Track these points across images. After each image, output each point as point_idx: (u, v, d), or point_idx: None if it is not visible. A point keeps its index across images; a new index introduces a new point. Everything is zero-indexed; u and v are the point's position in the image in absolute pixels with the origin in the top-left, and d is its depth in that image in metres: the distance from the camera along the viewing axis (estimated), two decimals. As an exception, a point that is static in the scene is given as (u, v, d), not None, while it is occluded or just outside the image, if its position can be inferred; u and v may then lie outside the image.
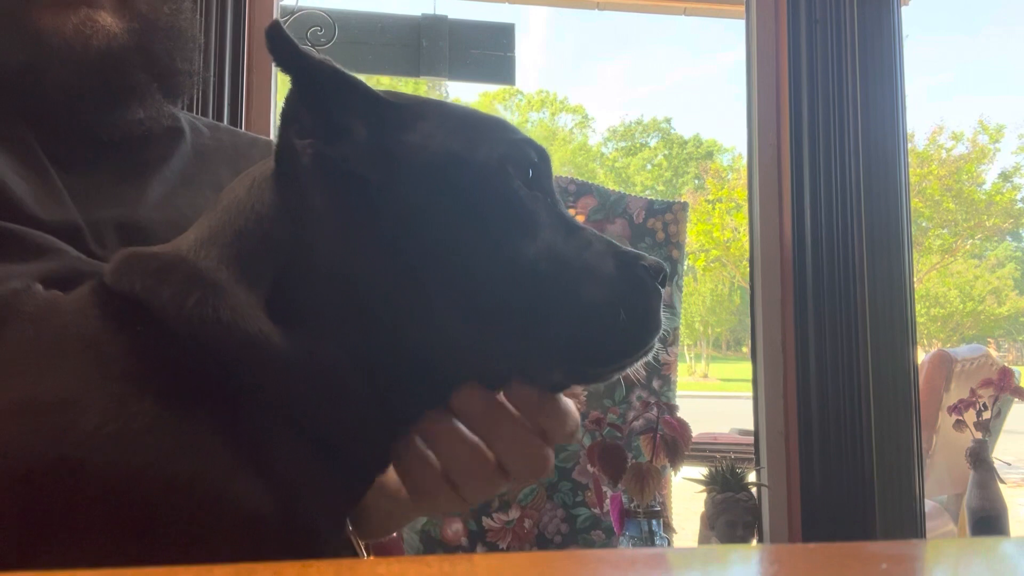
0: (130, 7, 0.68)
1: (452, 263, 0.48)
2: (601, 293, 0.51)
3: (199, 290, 0.46)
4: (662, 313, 0.53)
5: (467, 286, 0.48)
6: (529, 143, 0.53)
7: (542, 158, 0.53)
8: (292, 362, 0.46)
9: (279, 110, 0.52)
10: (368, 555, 0.62)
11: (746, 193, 2.09)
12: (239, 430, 0.44)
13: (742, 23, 2.07)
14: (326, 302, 0.48)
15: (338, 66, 0.50)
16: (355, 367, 0.47)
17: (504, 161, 0.51)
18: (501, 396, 0.52)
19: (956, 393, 2.45)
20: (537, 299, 0.49)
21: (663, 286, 0.54)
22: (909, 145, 1.98)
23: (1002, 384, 2.03)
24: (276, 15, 1.84)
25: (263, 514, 0.43)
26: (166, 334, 0.45)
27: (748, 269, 2.06)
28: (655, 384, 1.86)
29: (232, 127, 0.93)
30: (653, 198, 1.89)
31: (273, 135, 1.74)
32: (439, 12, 2.65)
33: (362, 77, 0.52)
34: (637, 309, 0.52)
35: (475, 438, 0.52)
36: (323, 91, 0.49)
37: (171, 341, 0.45)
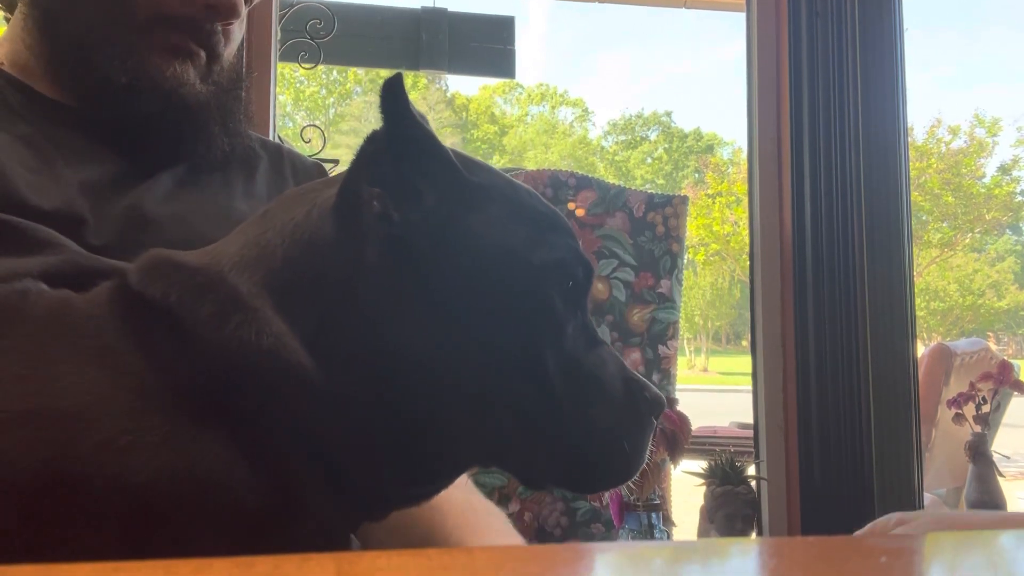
0: (214, 74, 0.78)
1: (479, 354, 0.49)
2: (606, 419, 0.52)
3: (240, 313, 0.46)
4: (650, 444, 0.54)
5: (485, 380, 0.49)
6: (579, 255, 0.54)
7: (586, 272, 0.54)
8: (323, 397, 0.46)
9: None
10: None
11: (746, 187, 2.09)
12: (252, 452, 0.44)
13: (743, 16, 2.07)
14: (363, 348, 0.47)
15: (433, 132, 0.52)
16: (378, 414, 0.47)
17: (555, 268, 0.51)
18: None
19: (955, 387, 2.45)
20: (547, 409, 0.50)
21: (657, 420, 0.55)
22: (908, 139, 1.98)
23: (1001, 378, 2.03)
24: (276, 9, 1.84)
25: (268, 533, 0.43)
26: (188, 349, 0.45)
27: (748, 263, 2.06)
28: (655, 378, 1.86)
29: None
30: (653, 192, 1.89)
31: (272, 134, 1.74)
32: (439, 5, 2.65)
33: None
34: (633, 444, 0.52)
35: None
36: (410, 149, 0.50)
37: (192, 356, 0.45)
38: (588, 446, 0.51)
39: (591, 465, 0.52)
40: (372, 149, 0.50)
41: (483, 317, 0.49)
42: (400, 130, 0.49)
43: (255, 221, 0.53)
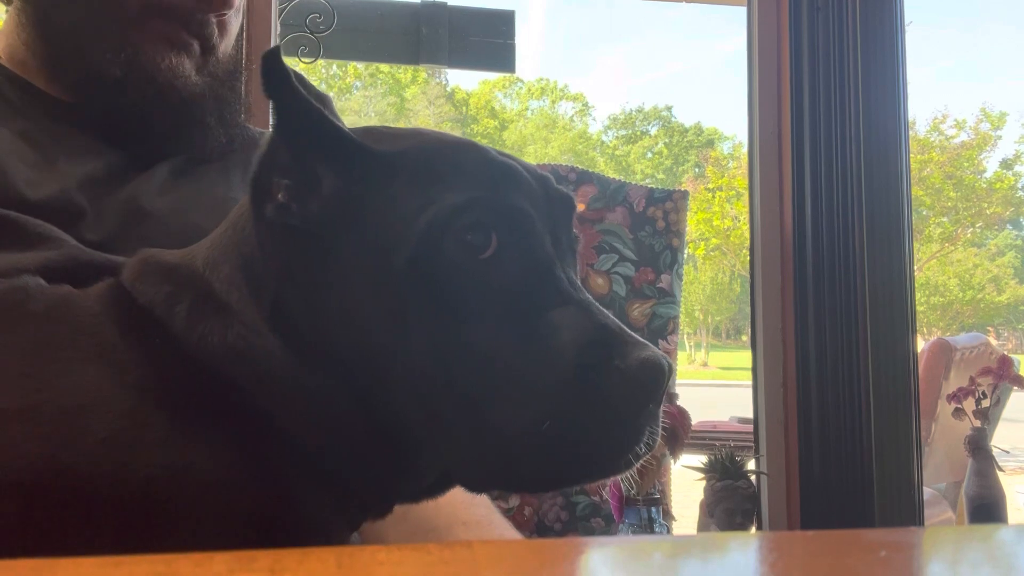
0: (209, 65, 0.77)
1: (385, 338, 0.45)
2: (535, 401, 0.42)
3: (208, 318, 0.46)
4: (653, 420, 0.44)
5: (397, 368, 0.45)
6: (487, 203, 0.45)
7: (517, 217, 0.46)
8: (297, 387, 0.46)
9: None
10: None
11: (746, 181, 2.09)
12: (248, 448, 0.44)
13: (743, 10, 2.06)
14: (315, 338, 0.47)
15: (324, 110, 0.47)
16: (347, 405, 0.46)
17: (449, 225, 0.44)
18: None
19: (955, 381, 2.45)
20: (453, 394, 0.44)
21: (658, 391, 0.44)
22: (910, 132, 1.97)
23: (1001, 372, 2.03)
24: (275, 4, 1.83)
25: (266, 531, 0.43)
26: (176, 349, 0.46)
27: (748, 258, 2.05)
28: (655, 372, 1.86)
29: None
30: (653, 186, 1.89)
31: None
32: (438, -1, 2.64)
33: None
34: (576, 432, 0.42)
35: None
36: (303, 133, 0.46)
37: (181, 356, 0.45)
38: (505, 437, 0.43)
39: (514, 463, 0.43)
40: (277, 138, 0.47)
41: (383, 295, 0.45)
42: (288, 110, 0.45)
43: (225, 219, 0.53)
